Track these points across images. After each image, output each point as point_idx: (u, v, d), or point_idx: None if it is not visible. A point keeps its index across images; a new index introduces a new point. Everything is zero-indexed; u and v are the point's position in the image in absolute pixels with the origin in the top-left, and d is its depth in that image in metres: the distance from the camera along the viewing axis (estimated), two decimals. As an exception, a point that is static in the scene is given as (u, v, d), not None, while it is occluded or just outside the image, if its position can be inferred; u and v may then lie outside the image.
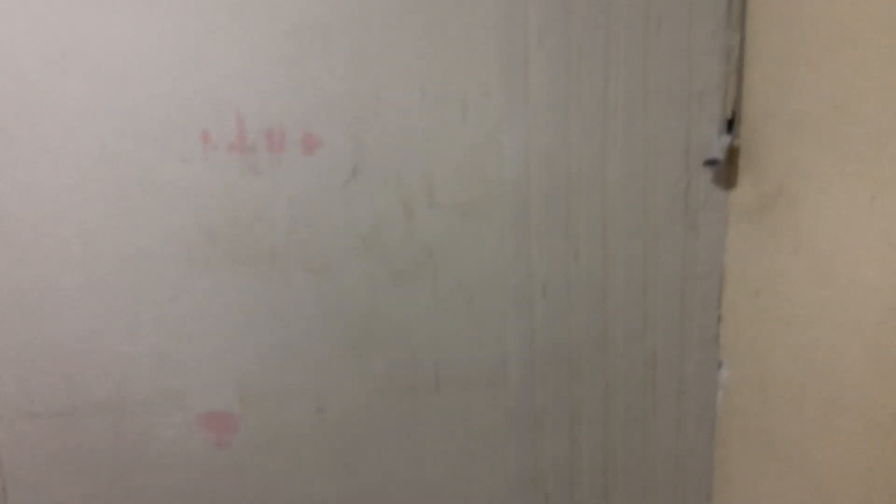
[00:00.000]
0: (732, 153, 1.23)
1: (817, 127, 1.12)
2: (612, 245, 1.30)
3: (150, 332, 1.23)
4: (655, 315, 1.33)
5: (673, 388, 1.37)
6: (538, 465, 1.36)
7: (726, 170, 1.26)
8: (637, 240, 1.30)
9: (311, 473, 1.31)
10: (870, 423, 1.06)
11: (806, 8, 1.11)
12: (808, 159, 1.13)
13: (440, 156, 1.23)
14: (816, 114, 1.11)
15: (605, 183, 1.27)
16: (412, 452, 1.33)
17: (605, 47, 1.21)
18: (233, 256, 1.23)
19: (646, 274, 1.31)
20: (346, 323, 1.27)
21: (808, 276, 1.17)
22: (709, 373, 1.36)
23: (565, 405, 1.35)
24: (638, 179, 1.28)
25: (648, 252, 1.31)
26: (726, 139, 1.22)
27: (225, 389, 1.27)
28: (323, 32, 1.17)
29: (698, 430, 1.39)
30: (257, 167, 1.20)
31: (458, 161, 1.24)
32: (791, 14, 1.14)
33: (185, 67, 1.16)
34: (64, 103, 1.15)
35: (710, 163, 1.24)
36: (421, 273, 1.27)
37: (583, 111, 1.24)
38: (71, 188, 1.17)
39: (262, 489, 1.31)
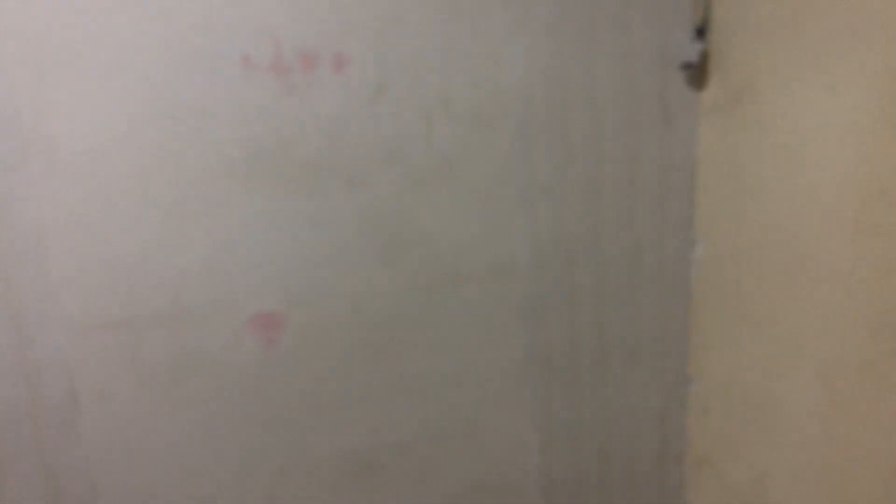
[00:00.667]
0: (704, 57, 1.44)
1: (778, 29, 1.33)
2: (602, 145, 1.49)
3: (199, 244, 1.35)
4: (639, 205, 1.54)
5: (655, 267, 1.59)
6: (544, 341, 1.56)
7: (698, 72, 1.46)
8: (622, 138, 1.49)
9: (349, 365, 1.47)
10: (829, 273, 1.31)
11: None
12: (771, 58, 1.35)
13: (454, 71, 1.38)
14: (778, 17, 1.32)
15: (593, 90, 1.46)
16: (437, 341, 1.51)
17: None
18: (273, 171, 1.35)
19: (630, 168, 1.51)
20: (375, 228, 1.42)
21: (771, 159, 1.39)
22: (685, 251, 1.59)
23: (566, 289, 1.55)
24: (621, 85, 1.46)
25: (632, 149, 1.51)
26: (699, 44, 1.42)
27: (271, 293, 1.40)
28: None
29: (676, 302, 1.62)
30: (292, 87, 1.32)
31: (469, 76, 1.39)
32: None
33: (229, 7, 1.26)
34: (112, 36, 1.23)
35: (685, 66, 1.44)
36: (440, 180, 1.43)
37: (573, 26, 1.41)
38: (120, 114, 1.26)
39: (308, 381, 1.45)
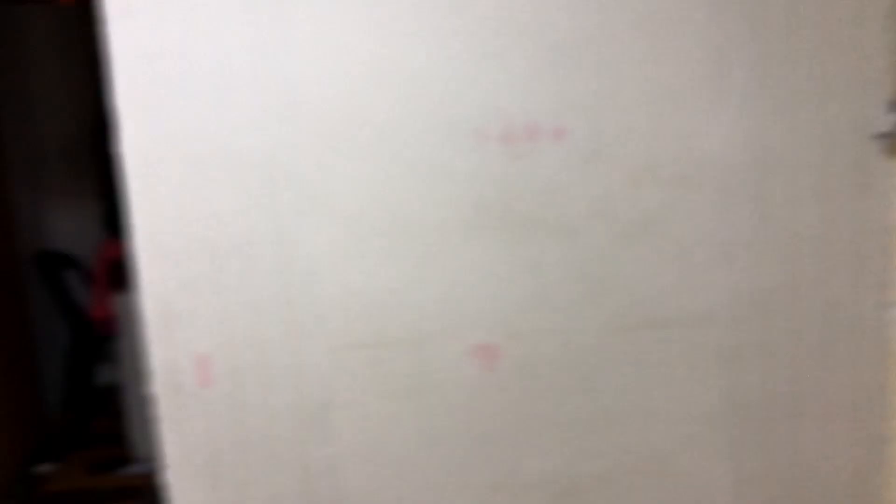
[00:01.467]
0: (899, 128, 1.54)
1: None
2: (798, 208, 1.61)
3: (435, 282, 1.62)
4: (834, 265, 1.64)
5: (850, 325, 1.67)
6: (740, 388, 1.68)
7: (892, 141, 1.56)
8: (818, 203, 1.61)
9: (557, 395, 1.66)
10: None
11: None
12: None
13: (660, 140, 1.58)
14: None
15: (790, 157, 1.59)
16: (637, 380, 1.67)
17: (794, 52, 1.54)
18: (497, 224, 1.60)
19: (826, 231, 1.62)
20: (582, 275, 1.63)
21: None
22: (881, 312, 1.65)
23: (762, 340, 1.66)
24: (817, 153, 1.59)
25: (827, 213, 1.62)
26: (893, 116, 1.52)
27: (490, 326, 1.64)
28: (572, 46, 1.54)
29: (872, 360, 1.67)
30: (517, 154, 1.58)
31: (674, 144, 1.58)
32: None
33: (463, 82, 1.55)
34: (377, 112, 1.55)
35: (880, 136, 1.55)
36: (643, 234, 1.62)
37: (771, 100, 1.57)
38: (379, 176, 1.57)
39: (520, 406, 1.67)
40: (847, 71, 1.56)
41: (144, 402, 3.50)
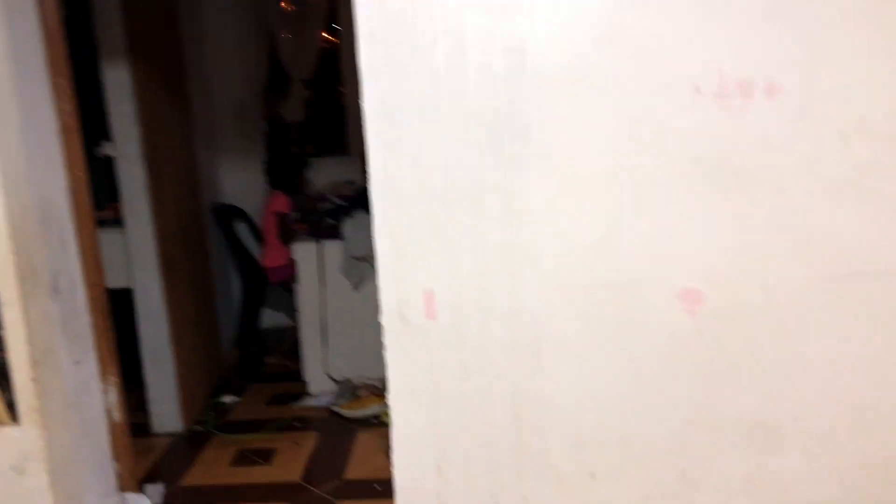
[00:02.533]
0: None
1: None
2: None
3: (647, 230, 1.74)
4: None
5: None
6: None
7: None
8: None
9: (757, 337, 1.76)
10: None
11: None
12: None
13: (872, 96, 1.64)
14: None
15: None
16: (837, 329, 1.75)
17: None
18: (709, 177, 1.70)
19: None
20: (790, 227, 1.71)
21: None
22: None
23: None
24: None
25: None
26: None
27: (696, 273, 1.75)
28: (786, 4, 1.61)
29: None
30: (732, 110, 1.67)
31: (887, 99, 1.63)
32: None
33: (682, 38, 1.64)
34: (600, 74, 1.67)
35: None
36: (852, 188, 1.68)
37: None
38: (599, 131, 1.69)
39: (720, 349, 1.78)
40: None
41: (319, 344, 3.77)
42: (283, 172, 4.31)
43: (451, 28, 1.69)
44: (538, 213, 1.76)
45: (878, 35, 1.62)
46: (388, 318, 1.84)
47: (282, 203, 4.26)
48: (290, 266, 4.30)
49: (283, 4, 4.72)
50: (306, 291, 3.79)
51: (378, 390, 3.65)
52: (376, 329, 3.85)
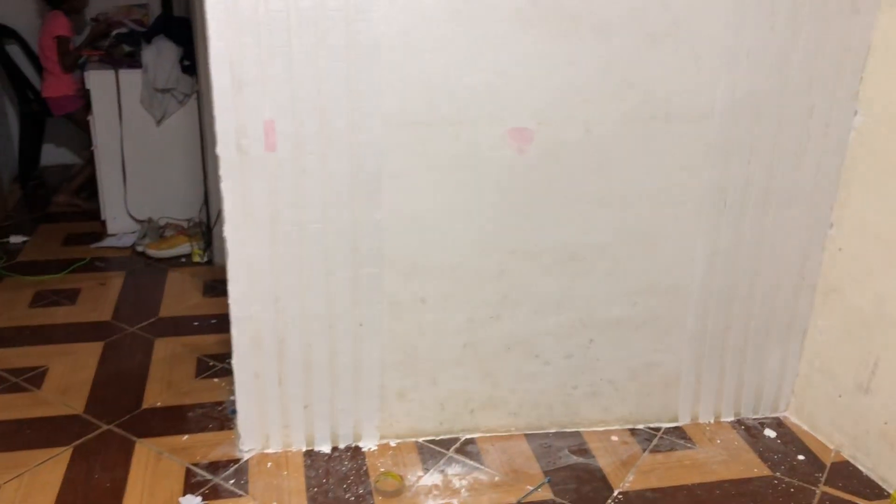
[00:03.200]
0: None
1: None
2: (799, 24, 1.87)
3: (484, 70, 1.81)
4: (818, 74, 1.93)
5: (821, 129, 1.98)
6: (723, 177, 1.99)
7: (888, -29, 1.82)
8: (818, 19, 1.87)
9: (577, 174, 1.93)
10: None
11: None
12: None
13: None
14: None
15: None
16: (643, 165, 1.95)
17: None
18: (544, 19, 1.78)
19: (817, 44, 1.90)
20: (612, 70, 1.85)
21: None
22: (847, 119, 1.98)
23: (748, 137, 1.96)
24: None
25: (823, 29, 1.88)
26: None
27: (526, 112, 1.86)
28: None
29: (832, 160, 2.02)
30: (570, -47, 1.74)
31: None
32: None
33: None
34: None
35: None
36: (669, 38, 1.84)
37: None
38: (445, -38, 1.70)
39: (544, 184, 1.93)
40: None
41: (119, 182, 3.57)
42: None
43: None
44: (383, 49, 1.76)
45: None
46: (224, 149, 1.80)
47: (62, 25, 3.85)
48: (78, 97, 3.94)
49: None
50: (102, 125, 3.51)
51: (185, 230, 3.55)
52: (180, 166, 3.71)
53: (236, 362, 1.98)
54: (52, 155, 4.66)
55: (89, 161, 3.86)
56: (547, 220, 1.98)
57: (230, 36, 1.70)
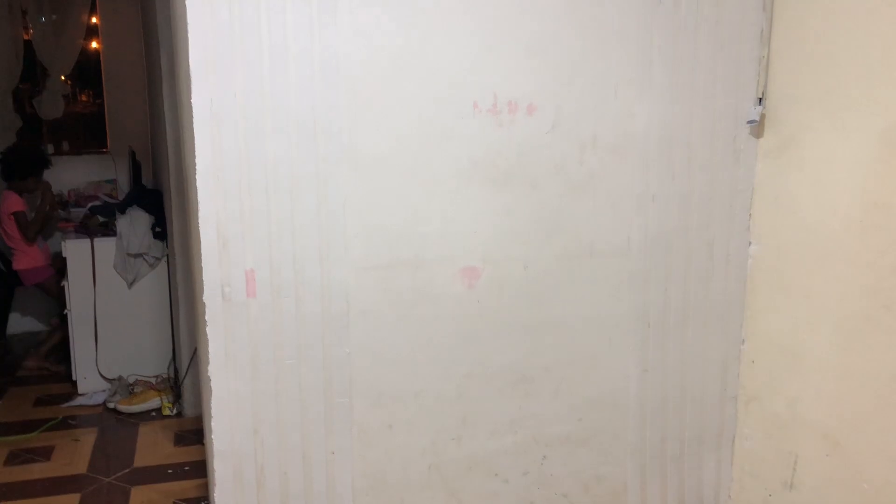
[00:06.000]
0: (762, 117, 2.21)
1: (811, 100, 2.09)
2: (693, 171, 2.25)
3: (435, 218, 2.13)
4: (715, 214, 2.30)
5: (723, 258, 2.33)
6: (645, 303, 2.30)
7: (758, 127, 2.23)
8: (706, 168, 2.26)
9: (519, 305, 2.22)
10: (843, 256, 2.04)
11: (809, 43, 2.09)
12: (807, 118, 2.11)
13: (601, 118, 2.17)
14: (811, 92, 2.09)
15: (689, 135, 2.23)
16: (575, 296, 2.26)
17: (695, 60, 2.17)
18: (484, 175, 2.13)
19: (710, 189, 2.28)
20: (542, 216, 2.19)
21: (805, 185, 2.14)
22: (744, 248, 2.34)
23: (662, 268, 2.30)
24: (708, 132, 2.24)
25: (712, 176, 2.27)
26: (759, 108, 2.19)
27: (474, 253, 2.17)
28: (541, 47, 2.09)
29: (737, 283, 2.36)
30: (501, 123, 2.11)
31: (611, 121, 2.17)
32: (795, 49, 2.12)
33: (466, 66, 2.06)
34: (398, 88, 2.03)
35: (750, 122, 2.21)
36: (587, 188, 2.20)
37: (678, 93, 2.19)
38: (398, 134, 2.05)
39: (492, 314, 2.21)
40: (729, 75, 2.21)
41: (90, 343, 3.74)
42: (19, 170, 4.15)
43: (276, 41, 1.95)
44: (348, 203, 2.07)
45: (604, 73, 2.15)
46: (210, 298, 2.04)
47: (15, 202, 4.09)
48: (48, 266, 4.16)
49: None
50: (77, 290, 3.73)
51: (154, 385, 3.70)
52: (149, 325, 3.91)
53: (218, 495, 2.13)
54: (18, 323, 4.81)
55: (58, 326, 4.04)
56: (497, 346, 2.25)
57: (217, 200, 1.99)
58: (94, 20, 4.78)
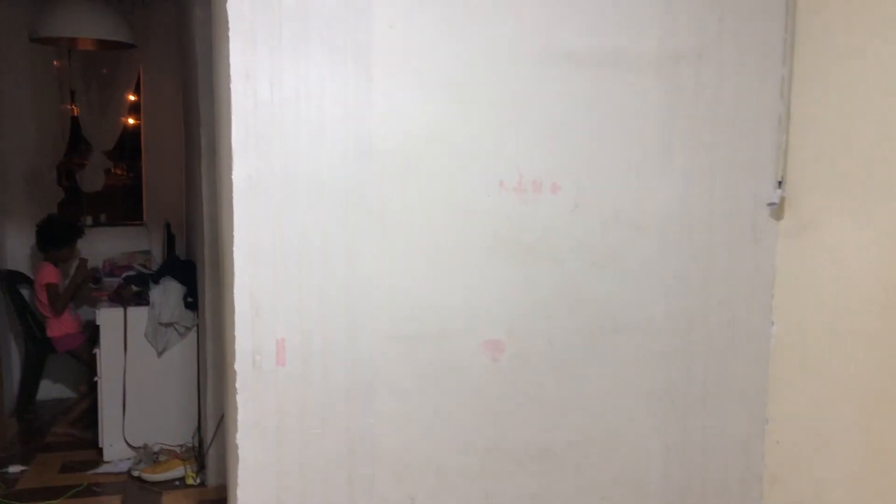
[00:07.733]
0: (782, 200, 2.27)
1: (831, 184, 2.15)
2: (713, 252, 2.30)
3: (460, 291, 2.18)
4: (736, 294, 2.33)
5: (745, 337, 2.36)
6: (668, 380, 2.33)
7: (778, 209, 2.29)
8: (727, 249, 2.31)
9: (542, 380, 2.25)
10: (866, 337, 2.06)
11: (827, 128, 2.16)
12: (827, 201, 2.16)
13: (624, 196, 2.24)
14: (830, 177, 2.15)
15: (710, 215, 2.29)
16: (598, 371, 2.29)
17: (715, 143, 2.25)
18: (508, 251, 2.20)
19: (732, 269, 2.32)
20: (566, 291, 2.24)
21: (826, 267, 2.18)
22: (766, 328, 2.36)
23: (685, 345, 2.33)
24: (728, 214, 2.29)
25: (733, 257, 2.32)
26: (779, 191, 2.25)
27: (498, 326, 2.22)
28: (565, 128, 2.18)
29: (759, 363, 2.37)
30: (526, 200, 2.19)
31: (633, 199, 2.24)
32: (812, 134, 2.19)
33: (492, 146, 2.15)
34: (431, 167, 2.12)
35: (770, 205, 2.27)
36: (609, 263, 2.26)
37: (700, 174, 2.26)
38: (427, 212, 2.13)
39: (515, 388, 2.24)
40: (749, 158, 2.29)
41: (118, 411, 3.80)
42: (54, 241, 4.29)
43: (312, 118, 2.05)
44: (377, 276, 2.14)
45: (626, 153, 2.24)
46: (241, 365, 2.10)
47: (49, 274, 4.21)
48: (80, 333, 4.25)
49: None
50: (107, 357, 3.80)
51: (178, 454, 3.73)
52: (176, 394, 3.96)
53: (241, 563, 2.14)
54: (48, 390, 4.88)
55: (87, 393, 4.10)
56: (520, 420, 2.27)
57: (251, 270, 2.07)
58: (134, 97, 5.01)
